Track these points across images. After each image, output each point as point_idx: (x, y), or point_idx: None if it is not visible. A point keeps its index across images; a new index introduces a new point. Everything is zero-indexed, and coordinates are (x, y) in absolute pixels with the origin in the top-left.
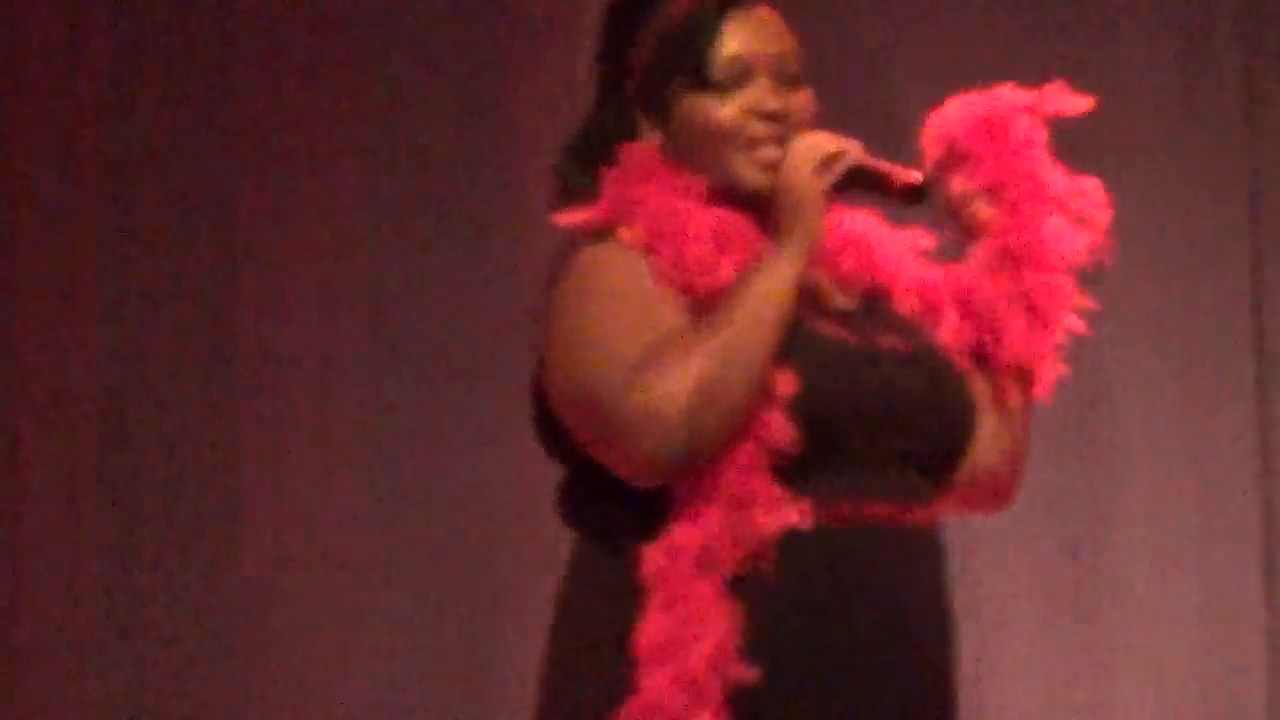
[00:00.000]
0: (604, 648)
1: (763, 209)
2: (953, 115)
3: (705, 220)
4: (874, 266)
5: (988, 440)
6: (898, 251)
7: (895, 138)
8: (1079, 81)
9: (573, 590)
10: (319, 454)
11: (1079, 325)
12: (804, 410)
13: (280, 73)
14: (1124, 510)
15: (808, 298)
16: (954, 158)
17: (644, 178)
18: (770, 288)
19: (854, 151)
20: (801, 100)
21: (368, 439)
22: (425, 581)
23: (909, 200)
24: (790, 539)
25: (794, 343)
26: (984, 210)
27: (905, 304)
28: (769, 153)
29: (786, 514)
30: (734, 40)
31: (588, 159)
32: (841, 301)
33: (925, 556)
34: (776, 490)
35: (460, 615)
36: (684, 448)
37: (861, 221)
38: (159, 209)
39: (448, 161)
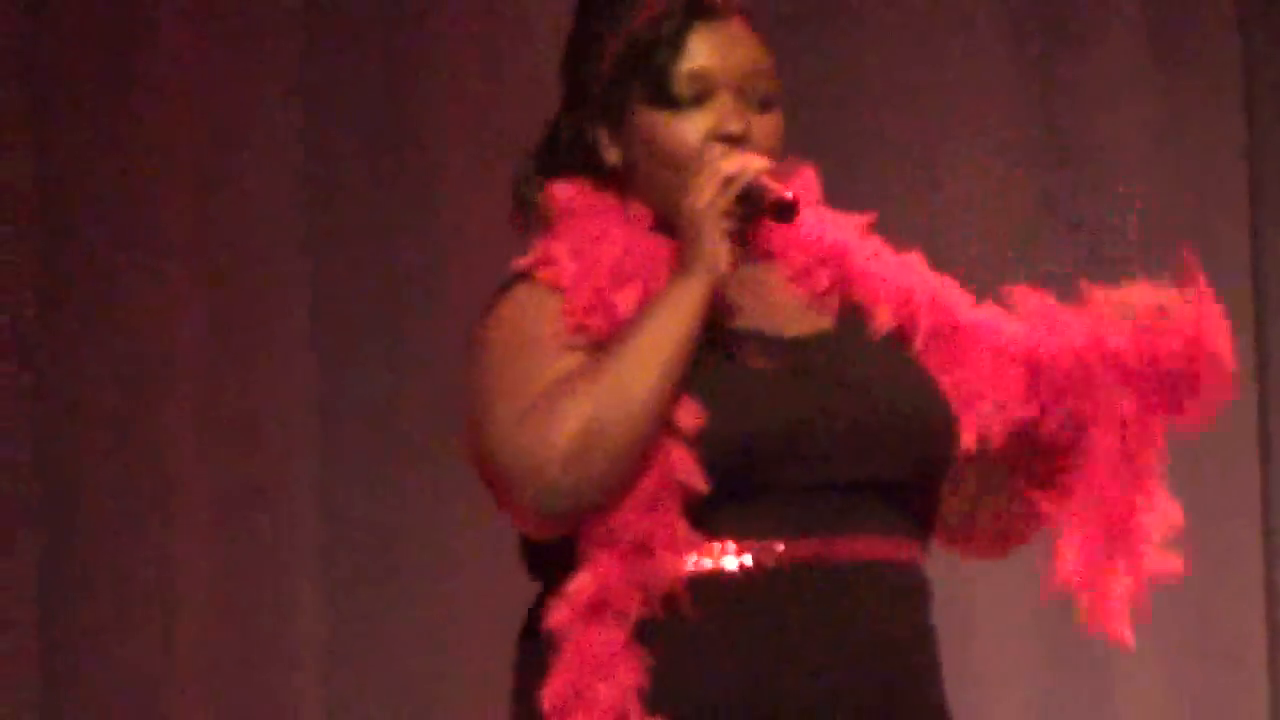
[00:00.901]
0: (527, 700)
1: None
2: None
3: (629, 253)
4: (855, 282)
5: (978, 485)
6: (890, 266)
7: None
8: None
9: (521, 640)
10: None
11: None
12: (712, 445)
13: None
14: None
15: (747, 322)
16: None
17: (579, 211)
18: (663, 323)
19: (751, 169)
20: (768, 124)
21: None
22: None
23: (778, 217)
24: (708, 580)
25: (710, 373)
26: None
27: (884, 322)
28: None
29: (694, 554)
30: (698, 55)
31: (547, 173)
32: (801, 324)
33: (883, 594)
34: (683, 530)
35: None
36: (567, 495)
37: (850, 231)
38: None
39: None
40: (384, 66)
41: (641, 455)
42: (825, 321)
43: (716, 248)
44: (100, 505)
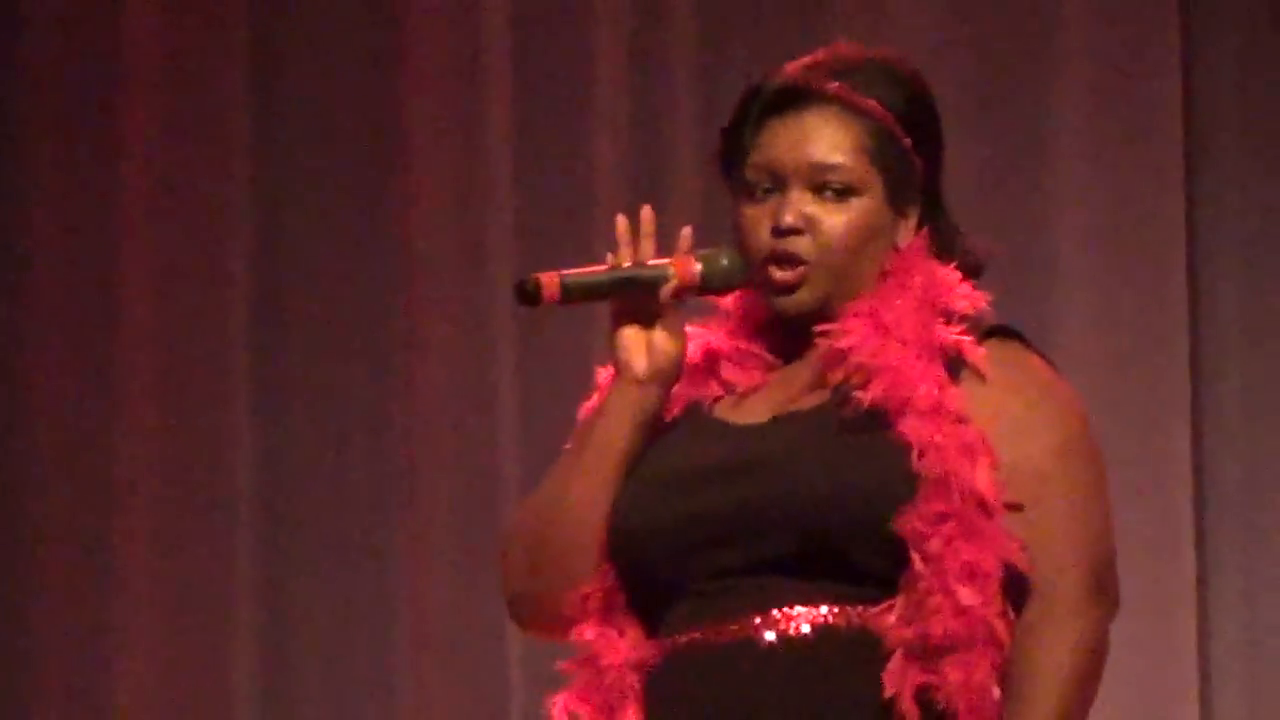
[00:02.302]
0: None
1: (794, 330)
2: None
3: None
4: (864, 362)
5: None
6: (908, 351)
7: None
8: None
9: None
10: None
11: None
12: (613, 546)
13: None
14: None
15: (726, 411)
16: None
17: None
18: (588, 432)
19: (615, 263)
20: (839, 215)
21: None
22: None
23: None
24: (649, 680)
25: (634, 474)
26: None
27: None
28: (778, 273)
29: (628, 658)
30: (767, 146)
31: None
32: (780, 405)
33: (770, 677)
34: (632, 633)
35: None
36: (526, 605)
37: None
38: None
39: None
40: (343, 72)
41: (586, 559)
42: (812, 400)
43: (622, 352)
44: (45, 514)
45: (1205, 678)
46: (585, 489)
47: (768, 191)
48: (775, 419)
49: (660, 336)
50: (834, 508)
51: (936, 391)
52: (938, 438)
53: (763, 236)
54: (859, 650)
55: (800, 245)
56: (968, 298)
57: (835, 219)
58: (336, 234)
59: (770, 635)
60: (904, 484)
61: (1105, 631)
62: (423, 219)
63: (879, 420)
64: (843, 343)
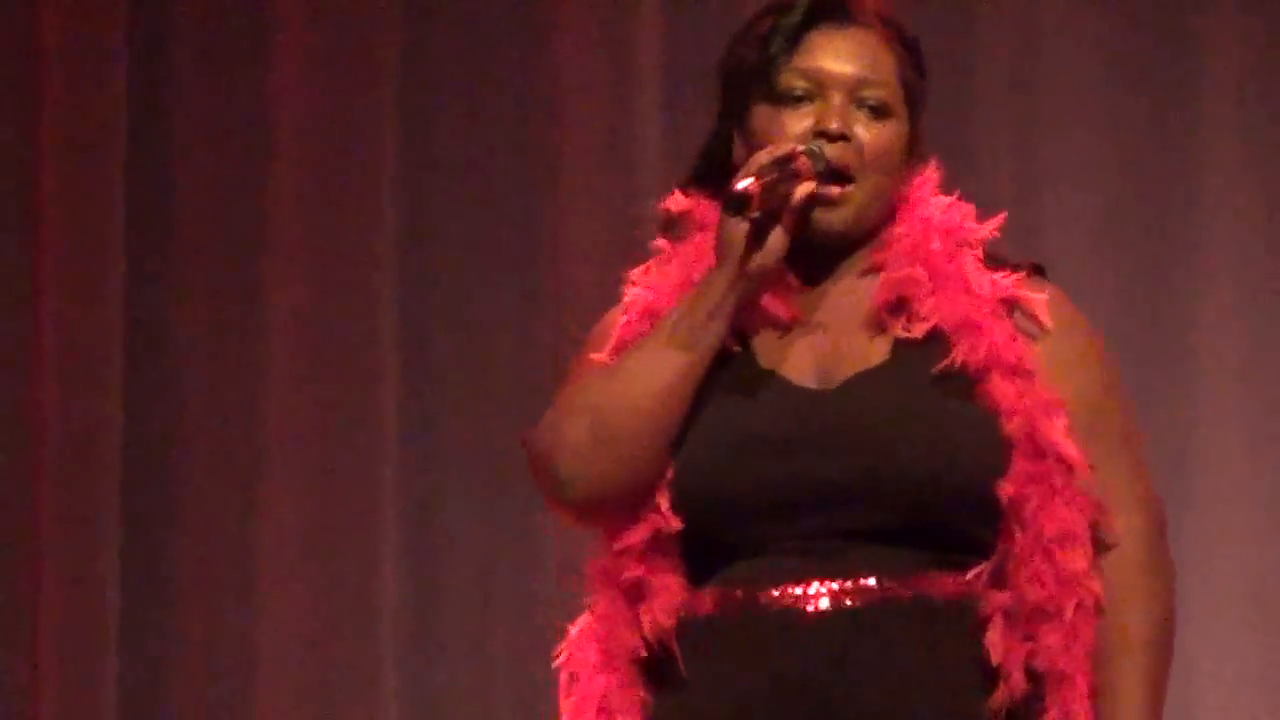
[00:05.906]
0: None
1: (823, 242)
2: None
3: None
4: (932, 308)
5: None
6: (974, 297)
7: None
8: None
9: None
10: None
11: None
12: (681, 497)
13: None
14: None
15: (777, 360)
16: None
17: (693, 225)
18: (680, 314)
19: (761, 159)
20: (877, 131)
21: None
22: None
23: (728, 209)
24: (694, 626)
25: (699, 423)
26: None
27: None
28: (823, 186)
29: (679, 603)
30: (810, 53)
31: (700, 180)
32: (839, 364)
33: (865, 639)
34: (676, 576)
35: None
36: (576, 486)
37: (953, 244)
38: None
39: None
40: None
41: (658, 451)
42: (876, 354)
43: (730, 238)
44: (189, 478)
45: None
46: (675, 377)
47: (799, 100)
48: (847, 383)
49: (777, 235)
50: (945, 481)
51: (1016, 349)
52: (1024, 400)
53: (797, 138)
54: (955, 615)
55: (845, 154)
56: (984, 228)
57: (873, 135)
58: (483, 141)
59: (862, 600)
60: (998, 448)
61: (1174, 595)
62: (570, 118)
63: (965, 381)
64: (902, 290)
